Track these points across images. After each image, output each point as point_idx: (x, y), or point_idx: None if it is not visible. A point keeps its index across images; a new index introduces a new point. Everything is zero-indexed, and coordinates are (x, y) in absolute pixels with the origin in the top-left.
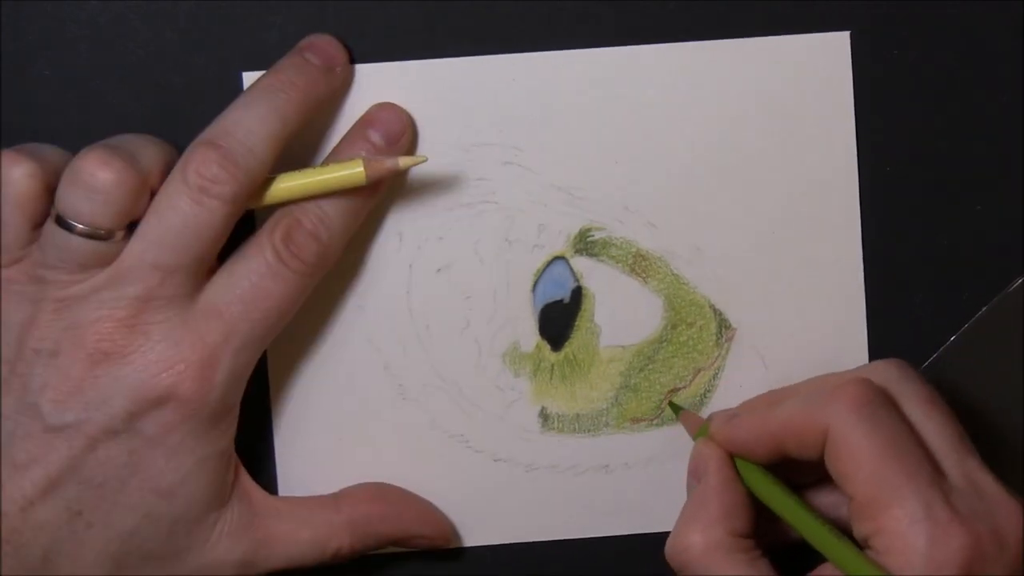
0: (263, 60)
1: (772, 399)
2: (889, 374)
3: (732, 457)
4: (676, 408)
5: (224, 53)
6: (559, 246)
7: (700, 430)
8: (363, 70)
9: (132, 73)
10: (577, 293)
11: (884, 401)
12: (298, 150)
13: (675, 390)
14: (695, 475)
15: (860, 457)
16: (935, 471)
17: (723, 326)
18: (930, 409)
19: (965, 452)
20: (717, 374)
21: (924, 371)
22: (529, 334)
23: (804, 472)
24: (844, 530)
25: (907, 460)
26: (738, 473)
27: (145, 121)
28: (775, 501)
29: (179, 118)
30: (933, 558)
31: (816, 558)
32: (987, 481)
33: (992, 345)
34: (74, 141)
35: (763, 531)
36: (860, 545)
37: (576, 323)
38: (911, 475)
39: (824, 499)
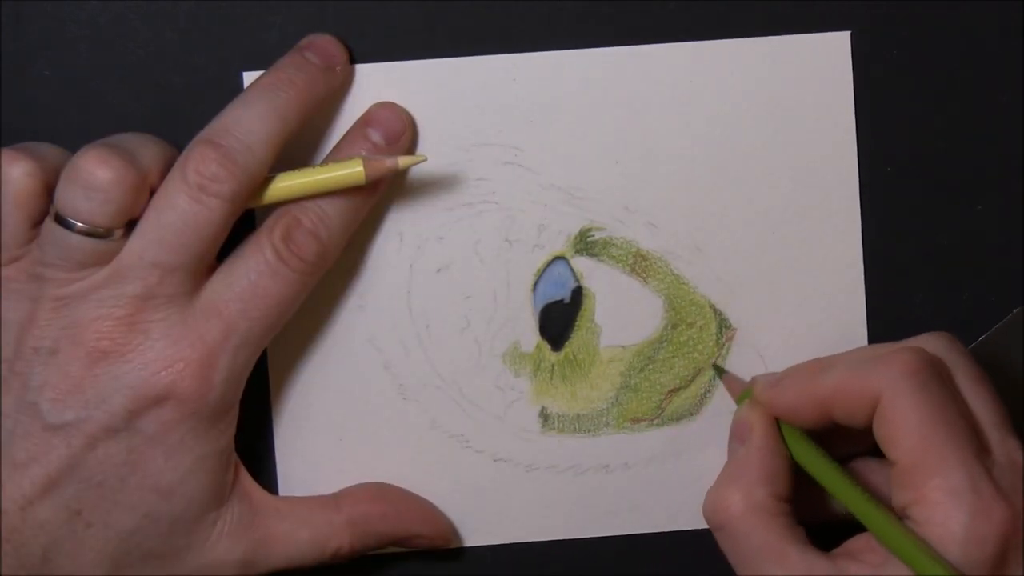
0: (263, 60)
1: (818, 366)
2: (941, 346)
3: (776, 422)
4: (720, 370)
5: (224, 53)
6: (559, 246)
7: (743, 393)
8: (363, 70)
9: (132, 73)
10: (577, 293)
11: (937, 371)
12: (298, 150)
13: (675, 390)
14: (739, 438)
15: (909, 423)
16: (981, 446)
17: (723, 326)
18: (978, 385)
19: (1007, 431)
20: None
21: None
22: (529, 334)
23: (843, 445)
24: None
25: (955, 431)
26: (782, 438)
27: (145, 121)
28: (817, 468)
29: (179, 118)
30: (974, 531)
31: (845, 535)
32: None
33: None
34: (74, 141)
35: (797, 505)
36: (899, 516)
37: (576, 323)
38: (958, 446)
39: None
